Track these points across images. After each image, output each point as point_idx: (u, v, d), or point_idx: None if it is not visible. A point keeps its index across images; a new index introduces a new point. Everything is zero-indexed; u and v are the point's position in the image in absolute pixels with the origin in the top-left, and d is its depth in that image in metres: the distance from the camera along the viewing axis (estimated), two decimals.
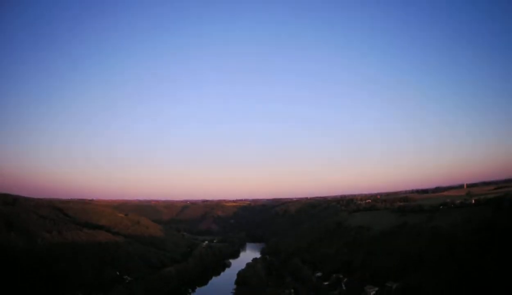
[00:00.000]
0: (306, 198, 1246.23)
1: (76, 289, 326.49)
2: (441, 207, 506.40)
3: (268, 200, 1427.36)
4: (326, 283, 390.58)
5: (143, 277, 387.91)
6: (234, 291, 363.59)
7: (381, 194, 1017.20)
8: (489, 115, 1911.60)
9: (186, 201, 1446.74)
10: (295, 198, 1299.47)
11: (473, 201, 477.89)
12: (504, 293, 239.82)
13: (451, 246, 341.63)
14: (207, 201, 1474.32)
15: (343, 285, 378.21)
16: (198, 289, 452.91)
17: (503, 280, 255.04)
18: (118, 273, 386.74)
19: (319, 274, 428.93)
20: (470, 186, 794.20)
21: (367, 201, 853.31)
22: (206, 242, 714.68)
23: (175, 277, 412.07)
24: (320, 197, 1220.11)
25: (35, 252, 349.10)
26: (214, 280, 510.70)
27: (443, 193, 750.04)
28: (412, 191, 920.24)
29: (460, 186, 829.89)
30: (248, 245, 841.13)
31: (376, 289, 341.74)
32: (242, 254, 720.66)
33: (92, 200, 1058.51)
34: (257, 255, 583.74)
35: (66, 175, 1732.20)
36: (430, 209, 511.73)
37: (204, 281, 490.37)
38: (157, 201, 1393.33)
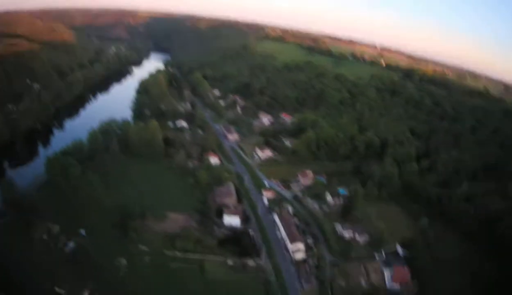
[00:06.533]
0: (218, 18, 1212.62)
1: None
2: (351, 58, 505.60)
3: (181, 14, 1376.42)
4: (223, 102, 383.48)
5: (52, 84, 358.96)
6: (134, 99, 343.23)
7: (292, 30, 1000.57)
8: None
9: (100, 8, 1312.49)
10: (208, 16, 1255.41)
11: (384, 64, 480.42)
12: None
13: (353, 96, 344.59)
14: (121, 10, 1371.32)
15: (239, 108, 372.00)
16: (99, 96, 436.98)
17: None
18: (29, 82, 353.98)
19: (217, 92, 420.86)
20: (384, 49, 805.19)
21: (278, 32, 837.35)
22: (114, 49, 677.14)
23: (81, 83, 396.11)
24: (232, 20, 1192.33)
25: None
26: (116, 87, 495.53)
27: (355, 46, 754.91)
28: (324, 35, 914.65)
29: (373, 46, 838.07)
30: (154, 55, 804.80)
31: (269, 117, 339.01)
32: (146, 63, 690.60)
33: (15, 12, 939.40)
34: (161, 66, 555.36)
35: None
36: (338, 56, 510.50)
37: (106, 88, 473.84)
38: (73, 8, 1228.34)
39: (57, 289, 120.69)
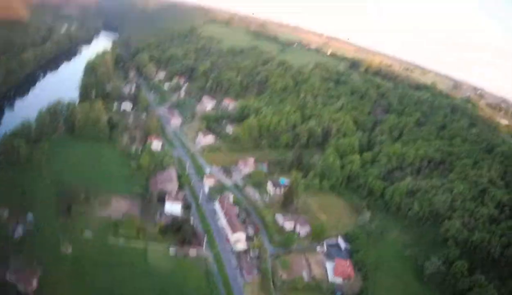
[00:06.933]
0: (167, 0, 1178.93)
1: None
2: (296, 45, 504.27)
3: None
4: (168, 83, 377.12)
5: (4, 63, 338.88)
6: (81, 79, 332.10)
7: (240, 14, 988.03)
8: None
9: None
10: None
11: (329, 53, 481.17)
12: None
13: (297, 84, 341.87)
14: None
15: (183, 91, 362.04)
16: (49, 74, 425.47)
17: None
18: None
19: (163, 74, 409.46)
20: (332, 39, 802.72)
21: (224, 15, 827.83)
22: (66, 25, 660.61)
23: (32, 61, 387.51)
24: (181, 2, 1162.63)
25: None
26: (65, 66, 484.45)
27: (302, 34, 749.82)
28: (272, 22, 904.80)
29: (321, 35, 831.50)
30: (104, 33, 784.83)
31: (213, 102, 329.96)
32: (95, 42, 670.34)
33: None
34: (109, 45, 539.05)
35: None
36: (284, 42, 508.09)
37: (56, 67, 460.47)
38: None
39: (8, 278, 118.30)
